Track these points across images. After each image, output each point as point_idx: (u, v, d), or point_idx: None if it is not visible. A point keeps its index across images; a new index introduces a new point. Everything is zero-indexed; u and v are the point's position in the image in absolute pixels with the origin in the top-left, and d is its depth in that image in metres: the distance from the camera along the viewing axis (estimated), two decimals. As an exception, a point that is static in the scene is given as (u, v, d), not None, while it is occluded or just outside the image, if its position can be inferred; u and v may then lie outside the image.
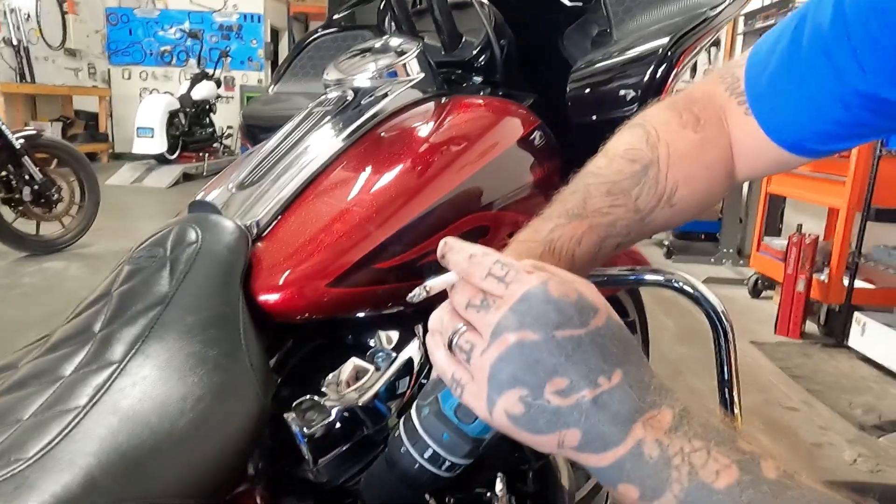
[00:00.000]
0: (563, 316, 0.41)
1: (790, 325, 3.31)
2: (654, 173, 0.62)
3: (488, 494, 0.91)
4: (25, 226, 4.37)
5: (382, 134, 0.85)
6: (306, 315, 0.66)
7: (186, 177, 8.30)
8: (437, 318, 0.48)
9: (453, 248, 0.47)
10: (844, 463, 2.10)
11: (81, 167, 4.63)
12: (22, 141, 4.17)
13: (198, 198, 0.77)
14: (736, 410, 1.08)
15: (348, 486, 0.70)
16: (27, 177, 4.25)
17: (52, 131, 8.13)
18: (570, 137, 1.02)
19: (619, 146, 0.64)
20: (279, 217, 0.71)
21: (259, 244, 0.69)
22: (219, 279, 0.62)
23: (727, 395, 1.15)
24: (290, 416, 0.64)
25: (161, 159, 8.34)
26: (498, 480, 0.91)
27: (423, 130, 0.87)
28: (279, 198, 0.72)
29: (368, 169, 0.78)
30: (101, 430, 0.45)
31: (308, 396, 0.66)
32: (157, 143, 8.19)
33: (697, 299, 1.15)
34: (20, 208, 4.32)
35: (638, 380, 0.40)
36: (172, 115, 8.45)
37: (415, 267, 0.73)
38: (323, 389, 0.68)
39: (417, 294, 0.47)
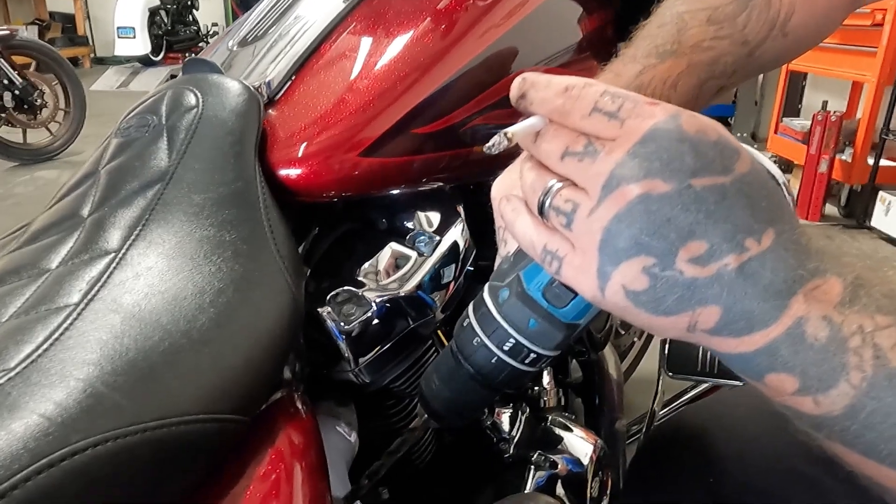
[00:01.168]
0: (703, 159, 0.30)
1: (810, 208, 3.22)
2: None
3: (536, 388, 0.84)
4: (12, 135, 4.20)
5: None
6: (335, 192, 0.55)
7: (173, 78, 7.96)
8: (512, 178, 0.39)
9: (537, 84, 0.35)
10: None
11: (62, 69, 4.40)
12: (-4, 42, 3.92)
13: (192, 56, 0.64)
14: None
15: (394, 388, 0.62)
16: (6, 81, 4.06)
17: (28, 35, 7.72)
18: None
19: None
20: (294, 77, 0.58)
21: (272, 109, 0.57)
22: (228, 150, 0.50)
23: None
24: (324, 311, 0.55)
25: (146, 61, 7.99)
26: (545, 373, 0.84)
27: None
28: (292, 53, 0.59)
29: (395, 15, 0.65)
30: (101, 332, 0.36)
31: (344, 288, 0.56)
32: (140, 44, 7.81)
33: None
34: (3, 115, 4.14)
35: (794, 241, 0.31)
36: (153, 13, 8.02)
37: (457, 133, 0.61)
38: (359, 279, 0.58)
39: (497, 143, 0.36)
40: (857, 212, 3.13)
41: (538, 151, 0.35)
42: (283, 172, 0.53)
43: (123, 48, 7.84)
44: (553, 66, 0.74)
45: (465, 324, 0.41)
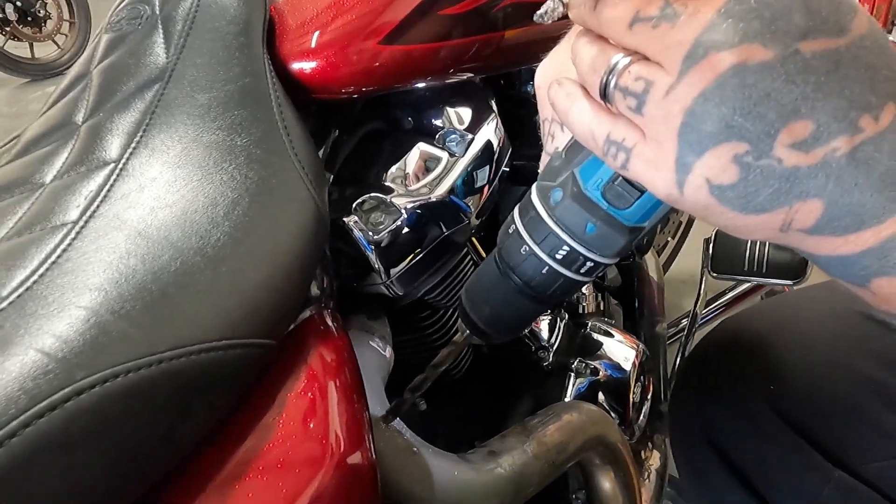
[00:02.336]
0: (815, 17, 0.24)
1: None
2: None
3: (576, 295, 0.80)
4: (19, 50, 4.09)
5: None
6: (354, 87, 0.49)
7: (178, -16, 7.67)
8: (560, 58, 0.34)
9: None
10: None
11: (62, -23, 4.22)
12: (-10, -50, 3.75)
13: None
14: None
15: (428, 299, 0.59)
16: (6, -8, 3.90)
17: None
18: None
19: None
20: (301, -45, 0.51)
21: (279, -6, 0.50)
22: (232, 41, 0.44)
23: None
24: (350, 220, 0.50)
25: (147, -34, 7.66)
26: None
27: None
28: (298, -74, 0.51)
29: None
30: (104, 253, 0.31)
31: (370, 195, 0.51)
32: (140, -53, 7.46)
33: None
34: (7, 29, 4.01)
35: None
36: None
37: (488, 14, 0.54)
38: (387, 185, 0.53)
39: (550, 9, 0.29)
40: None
41: (599, 20, 0.28)
42: (295, 66, 0.47)
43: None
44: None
45: (510, 230, 0.36)
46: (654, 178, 0.28)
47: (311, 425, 0.37)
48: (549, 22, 0.29)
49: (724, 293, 1.10)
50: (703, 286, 0.95)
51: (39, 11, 4.10)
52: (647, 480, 0.86)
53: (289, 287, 0.37)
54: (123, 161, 0.38)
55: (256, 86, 0.44)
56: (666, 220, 1.25)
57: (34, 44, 4.19)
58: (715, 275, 0.86)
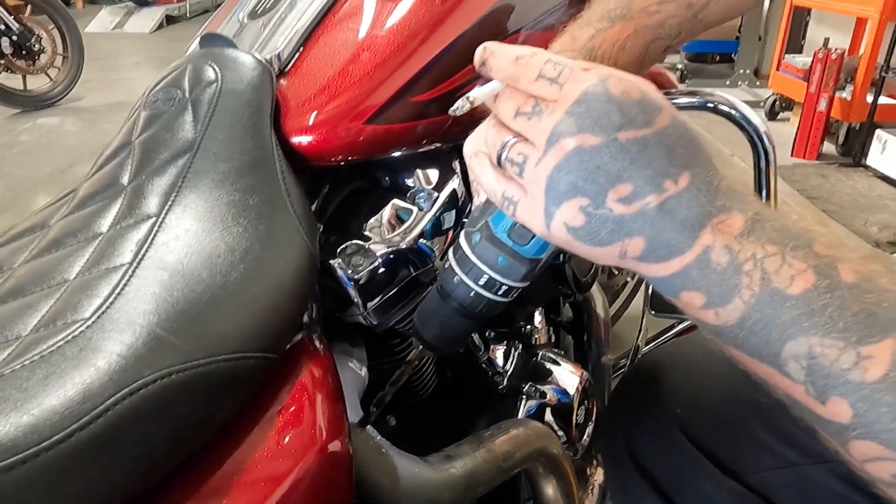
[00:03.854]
0: (627, 116, 0.36)
1: (808, 147, 3.24)
2: None
3: (528, 327, 0.92)
4: (12, 81, 4.19)
5: (403, -53, 0.75)
6: (342, 156, 0.61)
7: (169, 19, 7.83)
8: (479, 136, 0.45)
9: (495, 53, 0.41)
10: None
11: (58, 13, 4.35)
12: (-11, -14, 3.87)
13: (206, 30, 0.69)
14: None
15: (399, 328, 0.70)
16: (3, 26, 4.02)
17: (19, -25, 7.57)
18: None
19: None
20: (301, 49, 0.64)
21: (283, 80, 0.62)
22: (247, 121, 0.56)
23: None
24: (336, 262, 0.62)
25: (140, 2, 7.83)
26: (536, 313, 0.92)
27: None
28: (298, 26, 0.64)
29: (395, -13, 0.69)
30: (154, 287, 0.43)
31: (352, 241, 0.63)
32: (133, -17, 7.64)
33: (738, 120, 1.09)
34: (2, 62, 4.11)
35: (706, 182, 0.37)
36: (146, -49, 7.80)
37: (453, 98, 0.67)
38: (366, 233, 0.65)
39: (460, 106, 0.42)
40: (855, 150, 3.16)
41: (497, 111, 0.41)
42: (295, 140, 0.59)
43: (116, -13, 7.68)
44: (539, 28, 0.78)
45: (446, 265, 0.48)
46: (532, 223, 0.40)
47: (302, 423, 0.48)
48: (460, 114, 0.42)
49: (668, 329, 1.23)
50: (643, 322, 1.07)
51: (34, 46, 4.20)
52: (591, 494, 0.97)
53: (288, 313, 0.49)
54: (162, 216, 0.49)
55: (264, 156, 0.56)
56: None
57: (27, 76, 4.29)
58: (654, 313, 0.98)
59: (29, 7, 4.31)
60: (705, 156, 0.38)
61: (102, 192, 0.53)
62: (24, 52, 4.18)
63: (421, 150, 0.68)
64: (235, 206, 0.51)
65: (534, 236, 0.44)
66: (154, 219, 0.49)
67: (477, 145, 0.44)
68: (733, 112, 1.09)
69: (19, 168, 3.32)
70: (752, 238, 0.35)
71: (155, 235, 0.48)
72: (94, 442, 0.33)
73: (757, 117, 1.09)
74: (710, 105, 1.11)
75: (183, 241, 0.48)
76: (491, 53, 0.41)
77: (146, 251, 0.46)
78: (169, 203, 0.51)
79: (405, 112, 0.62)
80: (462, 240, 0.48)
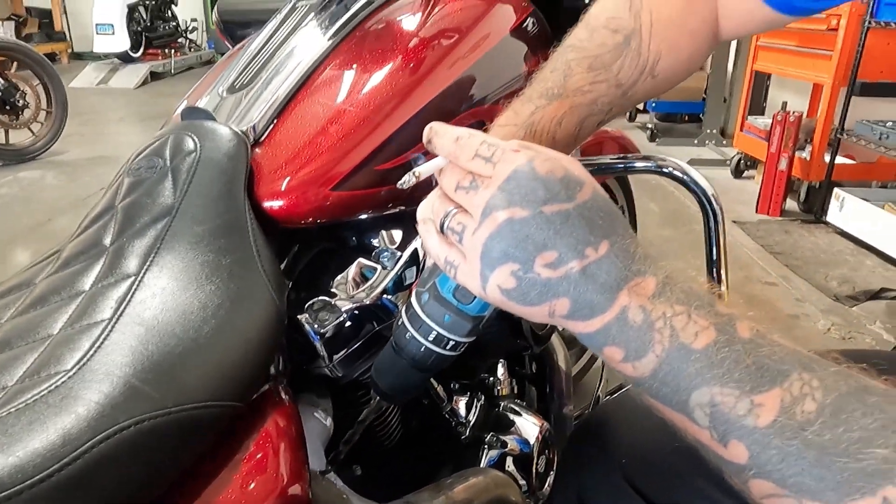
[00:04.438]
0: (551, 192, 0.41)
1: (771, 204, 3.37)
2: (636, 44, 0.61)
3: (491, 379, 0.96)
4: (-7, 135, 4.24)
5: (371, 29, 0.82)
6: (311, 219, 0.67)
7: (154, 76, 7.97)
8: (427, 205, 0.49)
9: (439, 133, 0.47)
10: (819, 332, 2.22)
11: (43, 70, 4.44)
12: (-24, 44, 3.95)
13: (187, 103, 0.75)
14: (723, 288, 1.13)
15: (362, 380, 0.74)
16: (-13, 83, 4.08)
17: (5, 31, 7.70)
18: (562, 22, 0.99)
19: (600, 15, 0.63)
20: (275, 121, 0.70)
21: (258, 150, 0.68)
22: (223, 187, 0.62)
23: (716, 275, 1.20)
24: (303, 318, 0.66)
25: (125, 58, 7.98)
26: (499, 365, 0.97)
27: (413, 23, 0.84)
28: (273, 101, 0.70)
29: (360, 67, 0.76)
30: (131, 341, 0.47)
31: (319, 298, 0.68)
32: (119, 41, 7.80)
33: (688, 183, 1.17)
34: (-15, 116, 4.17)
35: (624, 250, 0.42)
36: (132, 10, 8.01)
37: (414, 167, 0.73)
38: (332, 290, 0.69)
39: (407, 180, 0.48)
40: (815, 207, 3.29)
41: (441, 184, 0.47)
42: (267, 204, 0.64)
43: (102, 45, 7.82)
44: (503, 95, 0.85)
45: (399, 323, 0.53)
46: (470, 285, 0.45)
47: (264, 470, 0.52)
48: (407, 188, 0.48)
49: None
50: (603, 374, 1.12)
51: (18, 101, 4.27)
52: (553, 543, 1.00)
53: (254, 365, 0.53)
54: (141, 275, 0.54)
55: (237, 220, 0.61)
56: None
57: (9, 130, 4.34)
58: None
59: (15, 63, 4.39)
60: (623, 226, 0.43)
61: (86, 252, 0.57)
62: (7, 107, 4.23)
63: (385, 213, 0.74)
64: (209, 266, 0.56)
65: (476, 296, 0.49)
66: (133, 278, 0.54)
67: (425, 213, 0.49)
68: (683, 176, 1.17)
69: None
70: (662, 299, 0.40)
71: (133, 293, 0.52)
72: (73, 482, 0.36)
73: (705, 181, 1.17)
74: (664, 170, 1.20)
75: (159, 298, 0.52)
76: (436, 133, 0.47)
77: (125, 308, 0.50)
78: (147, 263, 0.55)
79: (369, 179, 0.68)
80: (413, 299, 0.52)
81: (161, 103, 6.62)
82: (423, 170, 0.48)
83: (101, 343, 0.46)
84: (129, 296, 0.52)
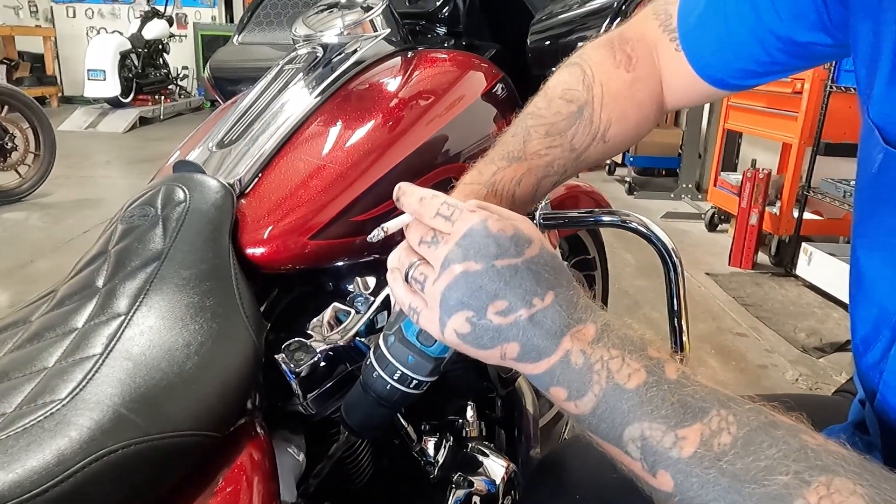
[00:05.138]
0: (502, 248, 0.46)
1: (743, 257, 3.48)
2: (588, 113, 0.67)
3: (460, 421, 1.00)
4: (-20, 176, 4.27)
5: (353, 90, 0.89)
6: (290, 266, 0.72)
7: (143, 121, 8.08)
8: (395, 256, 0.54)
9: (406, 192, 0.52)
10: (787, 382, 2.28)
11: (34, 113, 4.50)
12: (-32, 88, 4.02)
13: (179, 156, 0.81)
14: (685, 338, 1.19)
15: (334, 417, 0.78)
16: (-23, 125, 4.13)
17: (-3, 75, 7.81)
18: (530, 86, 1.07)
19: (557, 86, 0.69)
20: (260, 175, 0.76)
21: (243, 201, 0.74)
22: (209, 235, 0.67)
23: (677, 325, 1.26)
24: (280, 357, 0.71)
25: (115, 103, 8.10)
26: (468, 408, 1.01)
27: (392, 86, 0.91)
28: (259, 156, 0.76)
29: (341, 125, 0.83)
30: (120, 374, 0.51)
31: (295, 339, 0.72)
32: (110, 86, 7.93)
33: (650, 237, 1.24)
34: (-28, 158, 4.20)
35: (567, 300, 0.46)
36: (124, 56, 8.16)
37: (388, 219, 0.79)
38: (308, 332, 0.74)
39: (376, 234, 0.53)
40: (785, 260, 3.40)
41: (407, 238, 0.52)
42: (250, 251, 0.70)
43: (93, 90, 7.94)
44: (473, 154, 0.92)
45: (367, 363, 0.58)
46: (430, 329, 0.49)
47: (238, 499, 0.56)
48: (376, 241, 0.53)
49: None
50: (569, 420, 1.16)
51: (7, 144, 4.32)
52: (519, 583, 1.02)
53: (232, 399, 0.57)
54: (131, 314, 0.59)
55: (222, 265, 0.66)
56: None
57: (-3, 172, 4.38)
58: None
59: (5, 107, 4.46)
60: (567, 279, 0.48)
61: (79, 292, 0.62)
62: (-5, 150, 4.28)
63: (360, 260, 0.79)
64: (194, 307, 0.61)
65: (437, 339, 0.54)
66: (123, 317, 0.58)
67: (392, 263, 0.54)
68: (645, 231, 1.25)
69: (-21, 262, 3.34)
70: (600, 344, 0.45)
71: (123, 331, 0.57)
72: (65, 497, 0.40)
73: (665, 236, 1.25)
74: (627, 224, 1.27)
75: (147, 336, 0.57)
76: (403, 193, 0.52)
77: (115, 344, 0.55)
78: (137, 304, 0.60)
79: (345, 230, 0.74)
80: (380, 341, 0.57)
81: (149, 147, 6.70)
82: (390, 225, 0.54)
83: (93, 375, 0.50)
84: (119, 333, 0.56)
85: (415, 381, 0.56)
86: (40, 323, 0.59)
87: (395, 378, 0.56)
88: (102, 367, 0.52)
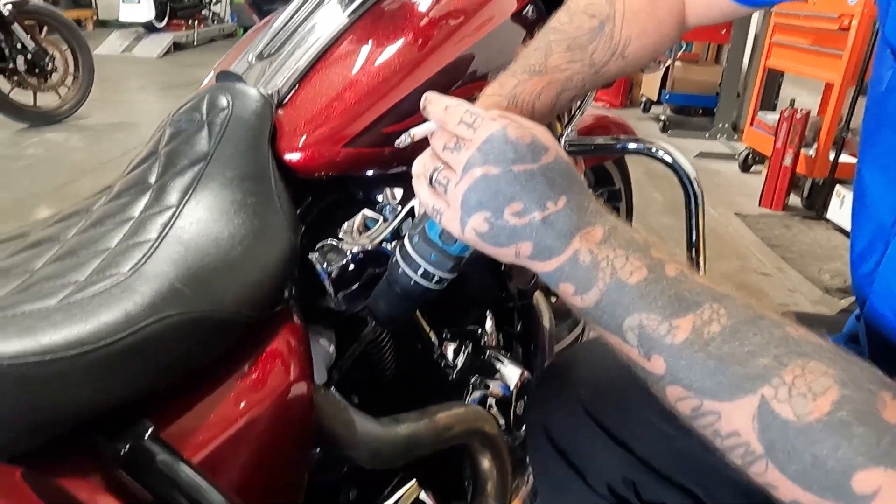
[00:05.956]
0: (519, 154, 0.49)
1: (774, 198, 3.44)
2: (609, 28, 0.70)
3: (479, 330, 1.07)
4: (23, 97, 4.37)
5: (385, 9, 0.92)
6: (324, 172, 0.77)
7: (177, 46, 8.10)
8: (420, 162, 0.58)
9: (432, 101, 0.56)
10: (806, 321, 2.30)
11: (72, 34, 4.56)
12: (10, 7, 4.08)
13: (221, 67, 0.85)
14: (700, 271, 1.23)
15: (362, 314, 0.85)
16: (19, 45, 4.21)
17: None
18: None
19: (580, 1, 0.72)
20: (297, 86, 0.80)
21: (281, 111, 0.78)
22: (250, 140, 0.72)
23: (693, 257, 1.30)
24: (314, 257, 0.77)
25: (149, 27, 8.10)
26: (488, 318, 1.07)
27: (423, 5, 0.93)
28: (296, 68, 0.80)
29: (373, 42, 0.86)
30: (173, 255, 0.58)
31: (328, 241, 0.78)
32: (145, 10, 7.92)
33: (673, 166, 1.27)
34: (15, 78, 4.30)
35: (578, 204, 0.49)
36: (158, -21, 8.11)
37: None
38: (340, 236, 0.80)
39: (403, 140, 0.58)
40: (817, 204, 3.36)
41: (432, 145, 0.56)
42: (287, 157, 0.75)
43: (128, 13, 7.94)
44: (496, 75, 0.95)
45: (393, 260, 0.63)
46: (452, 228, 0.54)
47: (274, 370, 0.63)
48: (404, 147, 0.57)
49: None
50: (584, 328, 1.21)
51: (47, 64, 4.40)
52: (527, 481, 1.11)
53: (272, 287, 0.64)
54: (181, 207, 0.65)
55: (262, 168, 0.71)
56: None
57: (38, 92, 4.47)
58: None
59: (45, 27, 4.51)
60: (580, 185, 0.52)
61: (134, 187, 0.68)
62: (36, 70, 4.36)
63: (390, 171, 0.84)
64: (237, 204, 0.67)
65: (457, 239, 0.59)
66: (174, 209, 0.64)
67: (418, 169, 0.58)
68: (670, 159, 1.27)
69: (25, 180, 3.47)
70: (607, 245, 0.48)
71: (175, 221, 0.63)
72: (132, 349, 0.47)
73: (689, 166, 1.27)
74: (652, 151, 1.29)
75: (196, 226, 0.63)
76: (429, 101, 0.56)
77: (168, 231, 0.61)
78: (186, 198, 0.66)
79: (376, 139, 0.78)
80: (406, 240, 0.63)
81: (183, 73, 6.74)
82: (417, 131, 0.58)
83: (151, 255, 0.57)
84: (171, 222, 0.62)
85: (436, 277, 0.62)
86: (101, 212, 0.66)
87: (419, 274, 0.61)
88: (158, 250, 0.58)
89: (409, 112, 0.81)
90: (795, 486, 0.41)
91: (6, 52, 4.21)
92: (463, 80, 0.88)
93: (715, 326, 0.45)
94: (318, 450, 0.76)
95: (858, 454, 0.38)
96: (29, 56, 4.27)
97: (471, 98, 0.90)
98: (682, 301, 0.46)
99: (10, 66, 4.25)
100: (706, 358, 0.44)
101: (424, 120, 0.59)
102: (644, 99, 5.92)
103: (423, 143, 0.59)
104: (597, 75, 0.71)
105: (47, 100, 4.55)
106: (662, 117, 5.20)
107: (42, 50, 4.35)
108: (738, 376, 0.43)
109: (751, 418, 0.42)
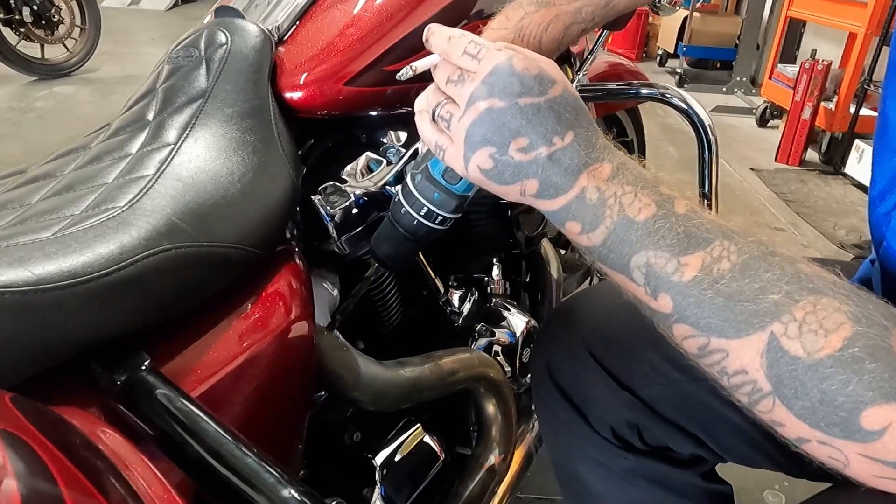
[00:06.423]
0: (525, 86, 0.47)
1: (791, 153, 3.38)
2: None
3: (486, 278, 1.06)
4: (30, 49, 4.33)
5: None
6: (325, 111, 0.75)
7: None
8: (423, 98, 0.55)
9: (435, 32, 0.53)
10: (819, 276, 2.28)
11: (78, -14, 4.48)
12: (14, -43, 4.01)
13: (220, 2, 0.83)
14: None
15: (365, 259, 0.84)
16: (24, -5, 4.15)
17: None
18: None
19: None
20: (297, 22, 0.78)
21: (281, 48, 0.76)
22: (249, 77, 0.70)
23: (706, 202, 1.27)
24: (316, 199, 0.76)
25: (156, -21, 7.96)
26: (494, 266, 1.06)
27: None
28: (296, 3, 0.78)
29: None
30: (172, 191, 0.57)
31: (331, 183, 0.77)
32: (151, -39, 7.77)
33: (687, 112, 1.24)
34: (22, 30, 4.26)
35: (586, 140, 0.47)
36: (164, -72, 7.93)
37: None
38: (343, 178, 0.79)
39: (405, 73, 0.55)
40: (835, 158, 3.29)
41: (435, 78, 0.54)
42: (287, 95, 0.73)
43: (134, -36, 7.81)
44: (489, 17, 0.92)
45: (396, 200, 0.62)
46: (455, 165, 0.52)
47: (277, 307, 0.62)
48: (405, 80, 0.55)
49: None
50: (594, 275, 1.20)
51: (54, 16, 4.34)
52: (532, 428, 1.11)
53: (272, 224, 0.63)
54: (179, 144, 0.63)
55: (262, 105, 0.70)
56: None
57: (45, 45, 4.43)
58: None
59: (50, -21, 4.45)
60: (587, 120, 0.50)
61: (132, 125, 0.67)
62: (43, 22, 4.31)
63: (393, 112, 0.82)
64: (236, 142, 0.65)
65: (462, 177, 0.57)
66: (172, 146, 0.63)
67: (420, 104, 0.55)
68: (683, 105, 1.24)
69: (35, 132, 3.47)
70: (615, 181, 0.47)
71: (173, 157, 0.62)
72: (127, 281, 0.47)
73: (703, 111, 1.23)
74: (665, 96, 1.26)
75: (194, 163, 0.62)
76: (432, 33, 0.54)
77: (166, 167, 0.60)
78: (184, 135, 0.65)
79: (378, 78, 0.76)
80: (408, 179, 0.61)
81: (190, 26, 6.63)
82: (419, 64, 0.56)
83: (148, 190, 0.56)
84: (169, 159, 0.61)
85: (440, 217, 0.60)
86: (98, 149, 0.65)
87: (422, 214, 0.60)
88: (156, 185, 0.57)
89: (413, 50, 0.78)
90: (802, 423, 0.40)
91: (11, 2, 4.15)
92: (469, 18, 0.85)
93: (725, 264, 0.43)
94: (322, 392, 0.76)
95: (869, 389, 0.37)
96: (35, 7, 4.22)
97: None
98: (691, 238, 0.44)
99: (17, 17, 4.19)
100: (715, 295, 0.42)
101: (428, 54, 0.56)
102: (661, 52, 5.78)
103: (427, 81, 0.57)
104: (607, 7, 0.68)
105: (55, 52, 4.51)
106: (679, 70, 5.09)
107: (47, 1, 4.29)
108: (747, 313, 0.41)
109: (759, 355, 0.40)
